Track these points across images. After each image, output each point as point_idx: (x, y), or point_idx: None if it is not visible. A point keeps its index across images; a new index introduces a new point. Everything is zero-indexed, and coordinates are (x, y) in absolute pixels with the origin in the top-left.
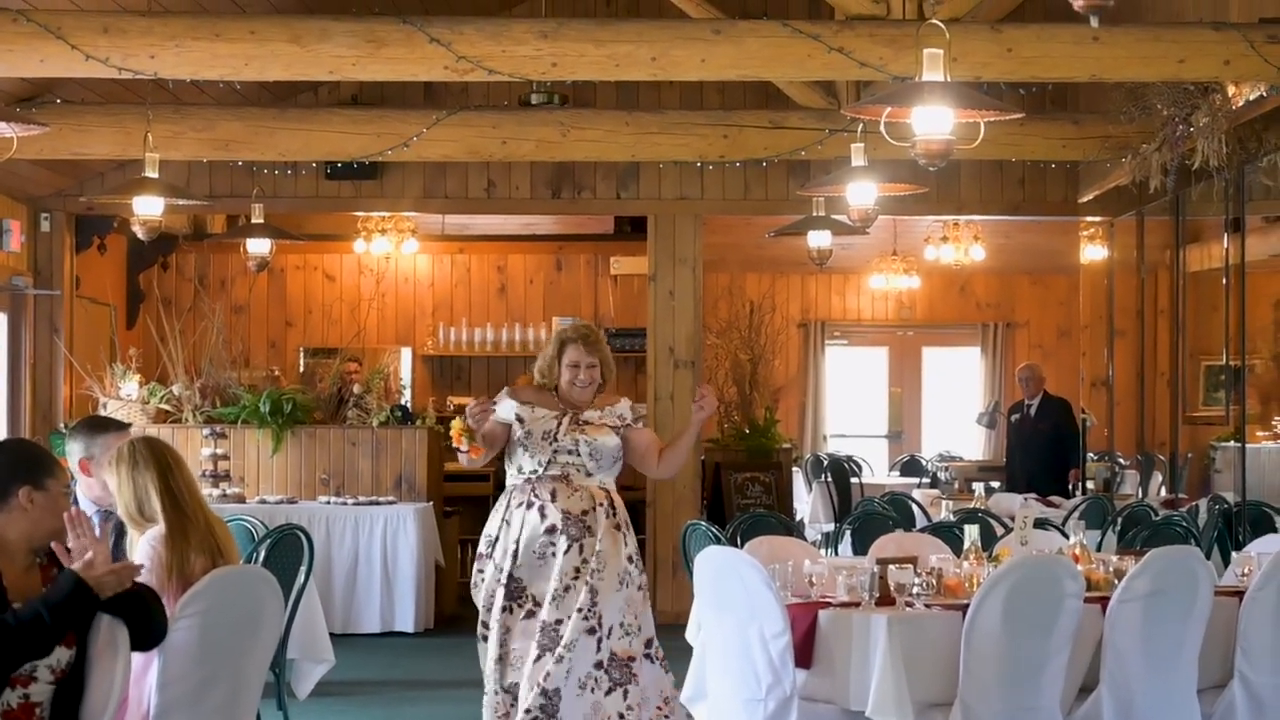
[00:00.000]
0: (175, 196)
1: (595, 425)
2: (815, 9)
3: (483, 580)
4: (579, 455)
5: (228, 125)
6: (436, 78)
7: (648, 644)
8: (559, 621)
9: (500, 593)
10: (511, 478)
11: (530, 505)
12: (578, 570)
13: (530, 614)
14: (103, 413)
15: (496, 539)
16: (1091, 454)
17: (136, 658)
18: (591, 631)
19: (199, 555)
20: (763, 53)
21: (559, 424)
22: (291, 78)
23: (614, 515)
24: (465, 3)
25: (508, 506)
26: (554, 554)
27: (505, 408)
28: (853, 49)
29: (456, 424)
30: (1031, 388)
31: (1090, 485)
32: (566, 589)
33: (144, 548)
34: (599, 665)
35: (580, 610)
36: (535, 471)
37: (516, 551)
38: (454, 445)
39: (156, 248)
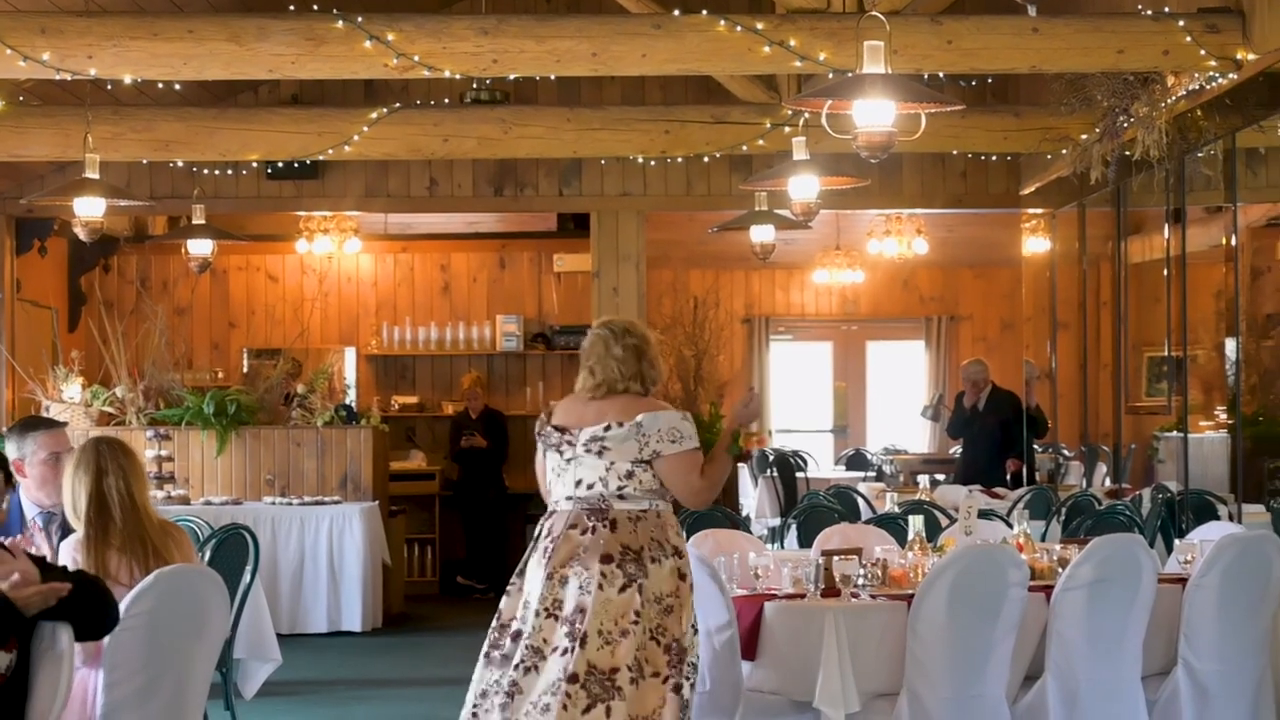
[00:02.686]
0: (116, 198)
1: None
2: (756, 3)
3: None
4: None
5: (168, 126)
6: (376, 75)
7: None
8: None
9: None
10: None
11: None
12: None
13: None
14: (45, 415)
15: None
16: (1036, 445)
17: (81, 655)
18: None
19: (123, 556)
20: (703, 47)
21: None
22: (230, 77)
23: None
24: (404, 0)
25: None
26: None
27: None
28: (793, 43)
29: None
30: (979, 388)
31: (1036, 477)
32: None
33: (64, 555)
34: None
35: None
36: None
37: None
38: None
39: (98, 250)
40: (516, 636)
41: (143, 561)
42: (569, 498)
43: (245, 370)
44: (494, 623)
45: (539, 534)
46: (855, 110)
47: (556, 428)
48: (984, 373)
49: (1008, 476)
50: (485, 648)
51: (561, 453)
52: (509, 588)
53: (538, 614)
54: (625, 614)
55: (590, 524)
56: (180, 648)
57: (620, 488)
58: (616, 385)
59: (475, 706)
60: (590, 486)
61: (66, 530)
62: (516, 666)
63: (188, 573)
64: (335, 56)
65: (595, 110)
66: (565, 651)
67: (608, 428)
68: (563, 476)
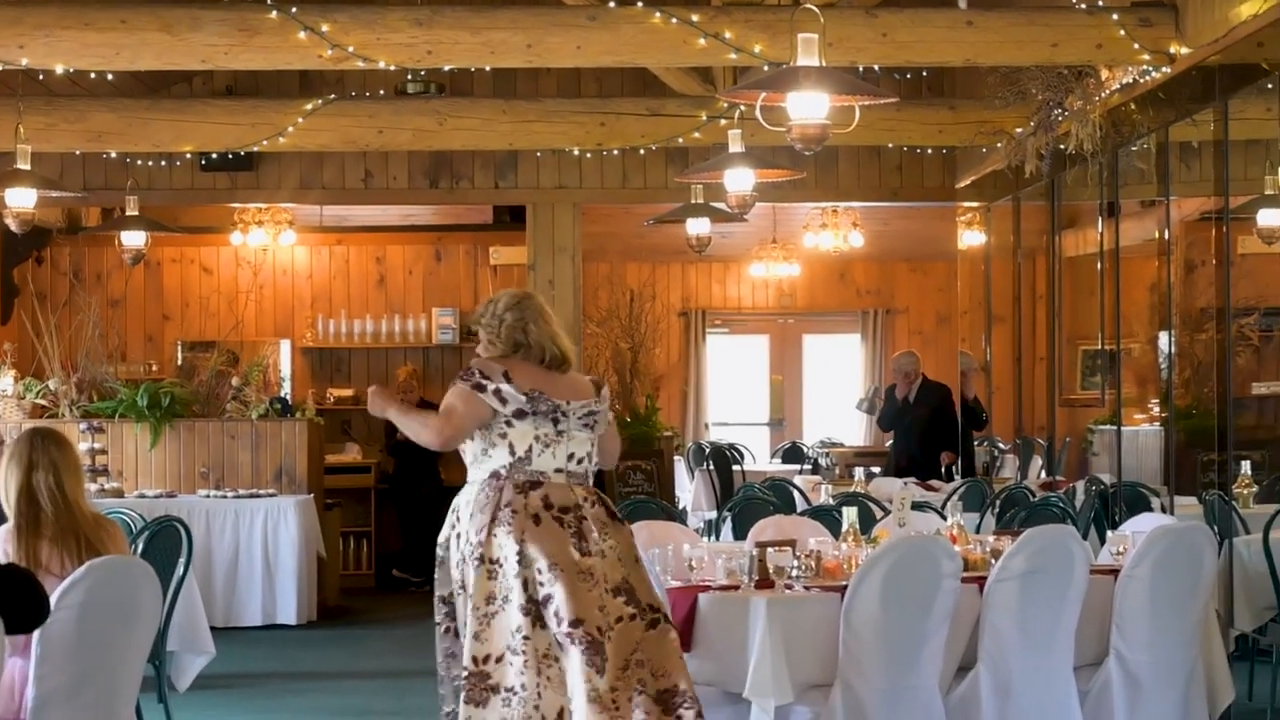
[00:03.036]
0: (48, 189)
1: None
2: None
3: None
4: None
5: (101, 116)
6: (310, 66)
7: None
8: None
9: None
10: None
11: None
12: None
13: None
14: None
15: None
16: (976, 437)
17: (10, 646)
18: None
19: (55, 547)
20: (638, 39)
21: None
22: (163, 67)
23: (458, 516)
24: None
25: None
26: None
27: None
28: (728, 35)
29: None
30: (910, 380)
31: (975, 469)
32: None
33: None
34: None
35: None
36: None
37: None
38: None
39: (30, 242)
40: (545, 602)
41: (75, 553)
42: (560, 470)
43: (180, 363)
44: (472, 608)
45: (507, 502)
46: (790, 102)
47: (547, 398)
48: (915, 364)
49: (942, 469)
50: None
51: (556, 423)
52: (484, 568)
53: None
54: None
55: (589, 496)
56: (112, 639)
57: (595, 460)
58: (569, 358)
59: (541, 671)
60: (580, 461)
61: (4, 519)
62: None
63: (119, 564)
64: (269, 47)
65: (531, 102)
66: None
67: (596, 402)
68: (553, 448)
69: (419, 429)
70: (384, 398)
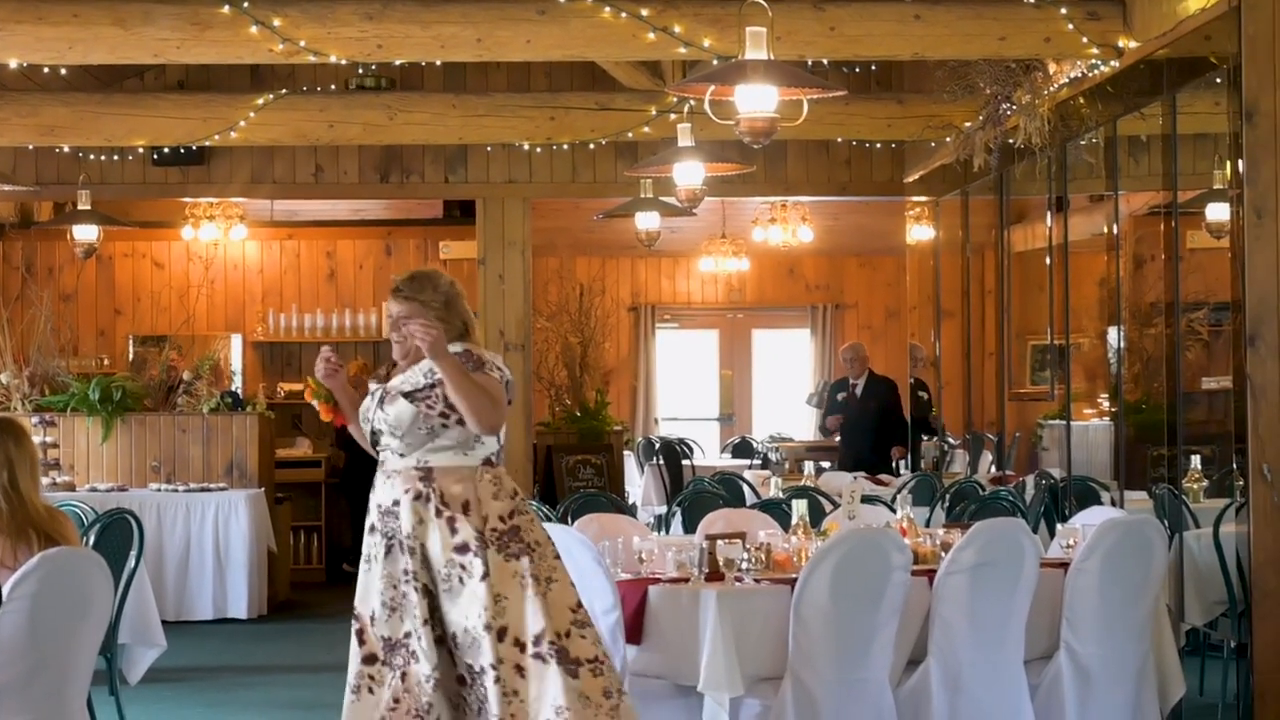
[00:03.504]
0: (1, 183)
1: (392, 393)
2: None
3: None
4: (385, 434)
5: (53, 110)
6: (261, 60)
7: (535, 641)
8: (407, 636)
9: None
10: None
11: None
12: (406, 574)
13: (359, 634)
14: None
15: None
16: (923, 435)
17: None
18: (439, 642)
19: (6, 539)
20: (588, 33)
21: (375, 399)
22: (116, 61)
23: (430, 500)
24: None
25: None
26: (375, 558)
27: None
28: (678, 29)
29: (311, 382)
30: (856, 367)
31: (921, 464)
32: (404, 597)
33: None
34: (460, 681)
35: (428, 621)
36: (374, 458)
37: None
38: (308, 400)
39: None
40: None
41: (27, 545)
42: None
43: (131, 357)
44: (531, 594)
45: (515, 489)
46: (738, 96)
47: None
48: (861, 350)
49: (893, 464)
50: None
51: None
52: (528, 552)
53: None
54: None
55: None
56: (64, 631)
57: None
58: None
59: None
60: None
61: None
62: None
63: (71, 555)
64: (221, 41)
65: (481, 97)
66: None
67: None
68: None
69: (487, 403)
70: (442, 341)
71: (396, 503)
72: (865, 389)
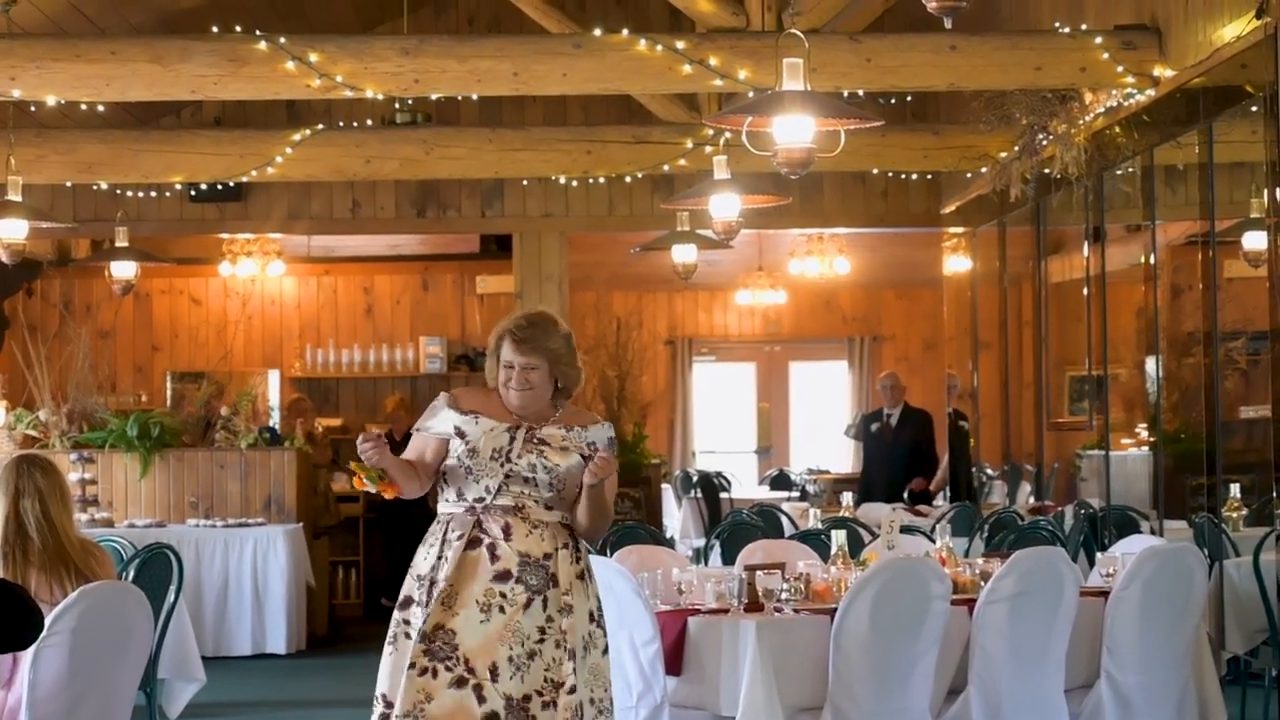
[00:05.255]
0: (39, 220)
1: (555, 446)
2: (676, 22)
3: (408, 635)
4: (536, 483)
5: (91, 148)
6: (298, 96)
7: None
8: (526, 699)
9: (415, 647)
10: (446, 505)
11: (476, 543)
12: (543, 633)
13: (461, 681)
14: None
15: (434, 582)
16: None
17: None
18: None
19: (43, 575)
20: (624, 66)
21: (512, 438)
22: (153, 98)
23: (579, 561)
24: (327, 21)
25: (444, 540)
26: (504, 608)
27: (443, 420)
28: (713, 61)
29: (355, 467)
30: (893, 396)
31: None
32: (531, 656)
33: None
34: None
35: (562, 685)
36: (481, 499)
37: (454, 597)
38: (360, 488)
39: (21, 274)
40: None
41: (64, 580)
42: None
43: (169, 394)
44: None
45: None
46: (775, 127)
47: None
48: (898, 380)
49: (904, 493)
50: None
51: None
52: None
53: None
54: None
55: None
56: (104, 665)
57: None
58: None
59: None
60: None
61: None
62: None
63: (111, 590)
64: (258, 77)
65: (517, 131)
66: None
67: None
68: None
69: (607, 524)
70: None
71: (548, 556)
72: (900, 419)
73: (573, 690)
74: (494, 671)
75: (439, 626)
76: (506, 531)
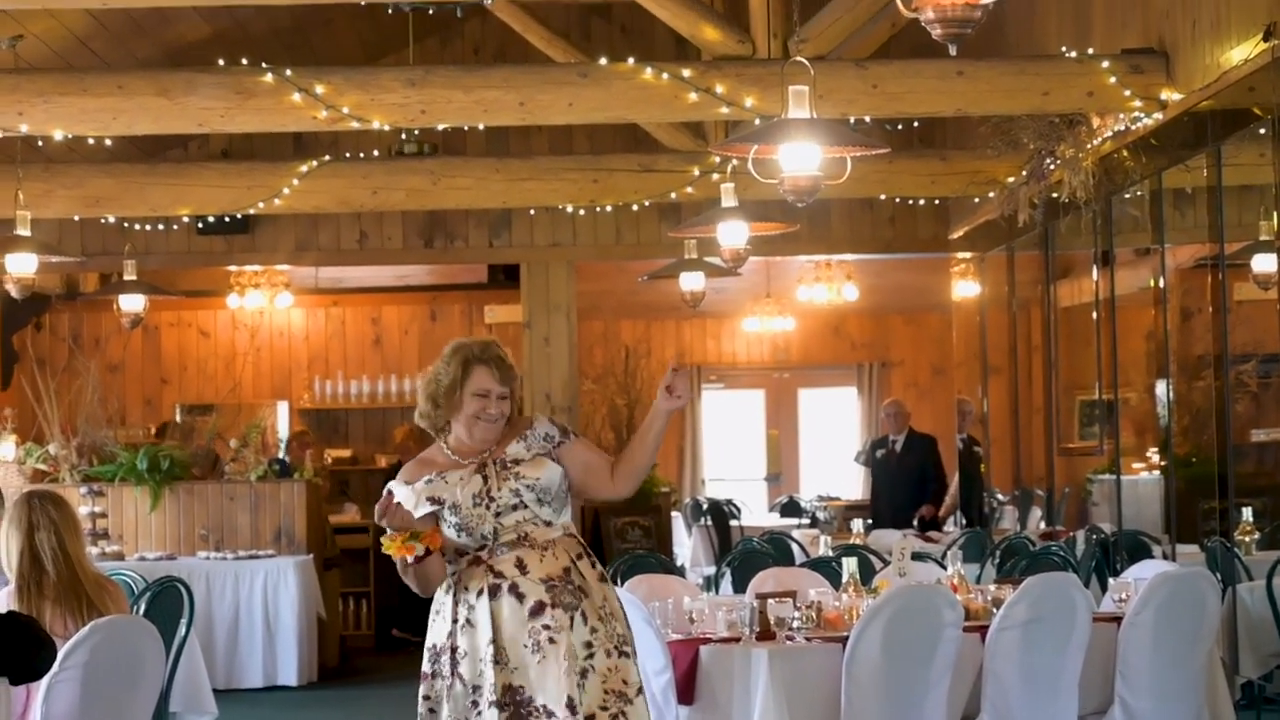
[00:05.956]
0: (48, 254)
1: (528, 461)
2: (682, 51)
3: (442, 708)
4: (526, 506)
5: (98, 182)
6: (305, 127)
7: None
8: (591, 718)
9: (493, 715)
10: (450, 566)
11: (496, 591)
12: (590, 645)
13: None
14: None
15: (455, 649)
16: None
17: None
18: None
19: (58, 608)
20: (630, 95)
21: (485, 477)
22: (160, 131)
23: (596, 565)
24: (332, 53)
25: (456, 603)
26: (555, 638)
27: (407, 501)
28: (720, 89)
29: (387, 542)
30: (897, 423)
31: (964, 521)
32: (584, 674)
33: None
34: None
35: (628, 689)
36: (483, 546)
37: (502, 653)
38: (406, 557)
39: (30, 308)
40: None
41: (78, 613)
42: None
43: (155, 425)
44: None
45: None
46: (781, 155)
47: None
48: (902, 407)
49: (914, 521)
50: None
51: None
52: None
53: None
54: None
55: None
56: (116, 699)
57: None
58: None
59: None
60: None
61: (7, 583)
62: None
63: (123, 624)
64: (264, 109)
65: (523, 160)
66: None
67: None
68: None
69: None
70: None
71: (568, 570)
72: (905, 446)
73: (640, 690)
74: (571, 706)
75: (507, 687)
76: (521, 566)
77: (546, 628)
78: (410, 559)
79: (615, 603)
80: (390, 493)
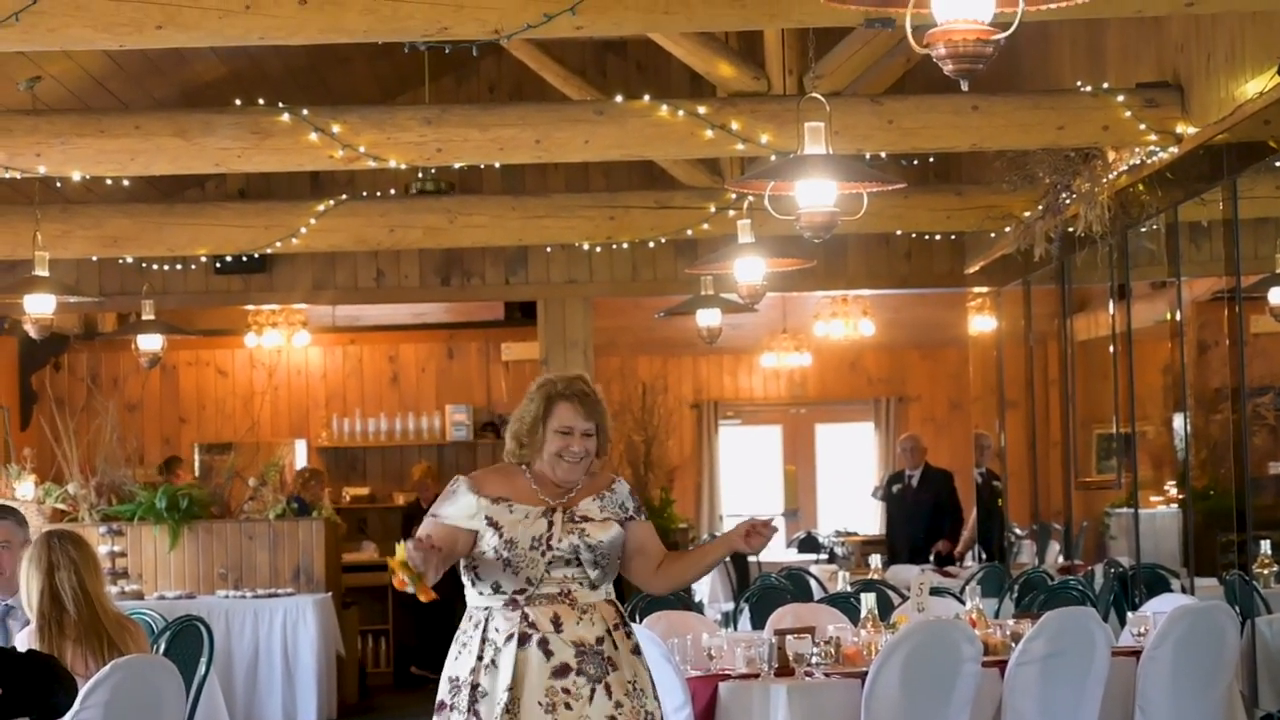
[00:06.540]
0: (66, 295)
1: (596, 521)
2: (697, 87)
3: None
4: (580, 564)
5: (116, 222)
6: (322, 167)
7: None
8: None
9: None
10: (481, 598)
11: (526, 640)
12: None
13: None
14: None
15: (476, 686)
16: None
17: None
18: None
19: (79, 647)
20: (645, 132)
21: (550, 523)
22: (177, 171)
23: (631, 636)
24: (348, 92)
25: (484, 640)
26: (570, 705)
27: (464, 507)
28: (735, 126)
29: (397, 561)
30: (913, 458)
31: (983, 556)
32: None
33: (20, 647)
34: None
35: None
36: (524, 590)
37: (516, 704)
38: (397, 579)
39: (48, 348)
40: None
41: (98, 653)
42: None
43: (197, 466)
44: None
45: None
46: (797, 191)
47: None
48: (918, 442)
49: (930, 556)
50: None
51: None
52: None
53: None
54: None
55: None
56: None
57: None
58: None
59: None
60: None
61: (28, 622)
62: None
63: (143, 663)
64: (281, 149)
65: (540, 198)
66: None
67: None
68: None
69: None
70: None
71: (601, 640)
72: (921, 480)
73: None
74: None
75: None
76: (556, 623)
77: (566, 691)
78: (397, 586)
79: (646, 678)
80: (433, 542)
